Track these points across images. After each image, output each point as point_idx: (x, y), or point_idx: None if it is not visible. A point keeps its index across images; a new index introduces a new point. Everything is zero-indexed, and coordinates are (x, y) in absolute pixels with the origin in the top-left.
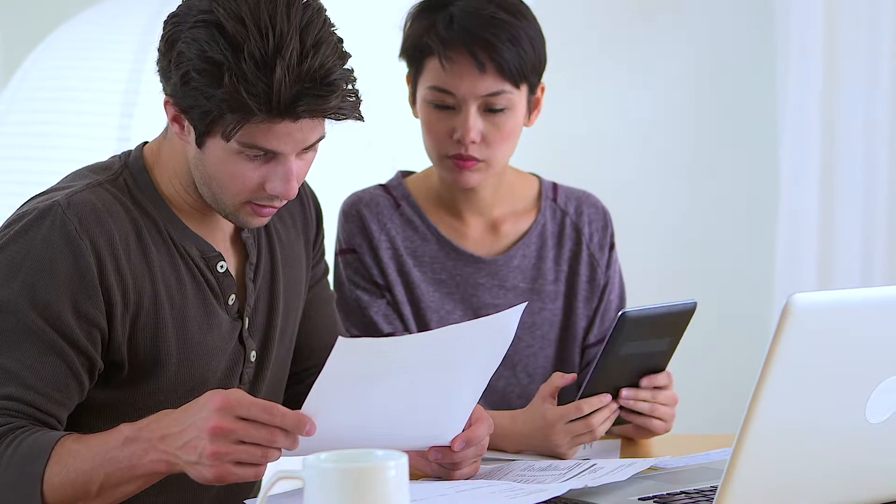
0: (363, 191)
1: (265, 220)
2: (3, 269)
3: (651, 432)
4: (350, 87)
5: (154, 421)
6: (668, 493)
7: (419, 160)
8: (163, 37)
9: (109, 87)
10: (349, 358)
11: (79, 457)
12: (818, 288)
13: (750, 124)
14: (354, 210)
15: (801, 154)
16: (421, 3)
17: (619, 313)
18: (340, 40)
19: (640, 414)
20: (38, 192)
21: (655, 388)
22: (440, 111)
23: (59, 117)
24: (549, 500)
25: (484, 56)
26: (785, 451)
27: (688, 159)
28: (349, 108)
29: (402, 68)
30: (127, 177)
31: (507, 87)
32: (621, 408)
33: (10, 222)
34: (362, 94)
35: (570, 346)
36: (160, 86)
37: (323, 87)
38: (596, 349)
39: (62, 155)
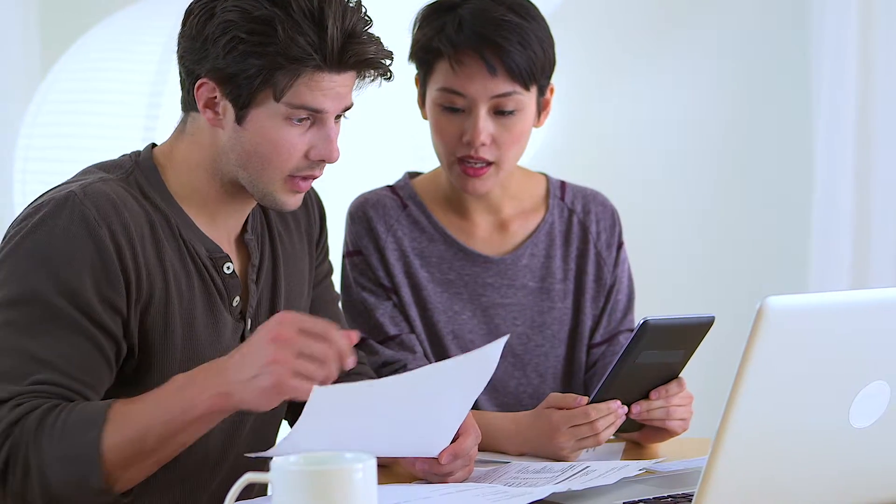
0: (370, 192)
1: (300, 200)
2: (26, 259)
3: (670, 434)
4: (382, 44)
5: (208, 365)
6: (654, 498)
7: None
8: (192, 21)
9: (135, 89)
10: (326, 405)
11: (133, 414)
12: None
13: (783, 124)
14: (361, 212)
15: (836, 155)
16: (429, 5)
17: (641, 320)
18: (366, 11)
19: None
20: (49, 188)
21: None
22: (450, 113)
23: (86, 118)
24: (533, 503)
25: (494, 58)
26: (765, 455)
27: (720, 160)
28: (385, 58)
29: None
30: (138, 175)
31: (518, 88)
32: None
33: (28, 214)
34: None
35: (580, 344)
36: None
37: (361, 40)
38: (601, 349)
39: (87, 157)
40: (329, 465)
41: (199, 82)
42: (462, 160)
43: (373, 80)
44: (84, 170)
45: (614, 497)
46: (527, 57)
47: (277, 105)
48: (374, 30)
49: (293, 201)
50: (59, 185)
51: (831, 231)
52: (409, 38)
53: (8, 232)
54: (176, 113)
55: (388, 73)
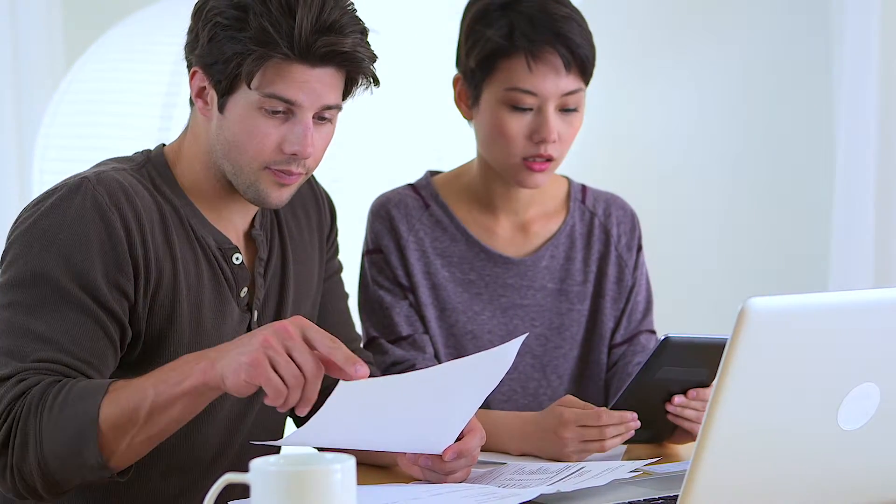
0: (392, 191)
1: (284, 196)
2: (38, 241)
3: (692, 438)
4: (365, 43)
5: (216, 346)
6: (644, 499)
7: (457, 158)
8: (192, 16)
9: (152, 89)
10: (349, 399)
11: (130, 387)
12: None
13: (804, 124)
14: (384, 211)
15: (857, 154)
16: (482, 7)
17: (663, 336)
18: (356, 11)
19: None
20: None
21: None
22: (517, 113)
23: (103, 118)
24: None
25: (569, 54)
26: (751, 457)
27: (740, 160)
28: (365, 56)
29: (435, 70)
30: (150, 168)
31: (582, 85)
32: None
33: (40, 199)
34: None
35: (597, 346)
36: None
37: (339, 34)
38: (622, 349)
39: (104, 156)
40: (308, 465)
41: (191, 72)
42: (525, 158)
43: (366, 87)
44: (99, 162)
45: (606, 498)
46: (590, 52)
47: (251, 93)
48: (393, 38)
49: (278, 195)
50: (73, 175)
51: (853, 231)
52: (439, 41)
53: (20, 215)
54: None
55: (371, 74)
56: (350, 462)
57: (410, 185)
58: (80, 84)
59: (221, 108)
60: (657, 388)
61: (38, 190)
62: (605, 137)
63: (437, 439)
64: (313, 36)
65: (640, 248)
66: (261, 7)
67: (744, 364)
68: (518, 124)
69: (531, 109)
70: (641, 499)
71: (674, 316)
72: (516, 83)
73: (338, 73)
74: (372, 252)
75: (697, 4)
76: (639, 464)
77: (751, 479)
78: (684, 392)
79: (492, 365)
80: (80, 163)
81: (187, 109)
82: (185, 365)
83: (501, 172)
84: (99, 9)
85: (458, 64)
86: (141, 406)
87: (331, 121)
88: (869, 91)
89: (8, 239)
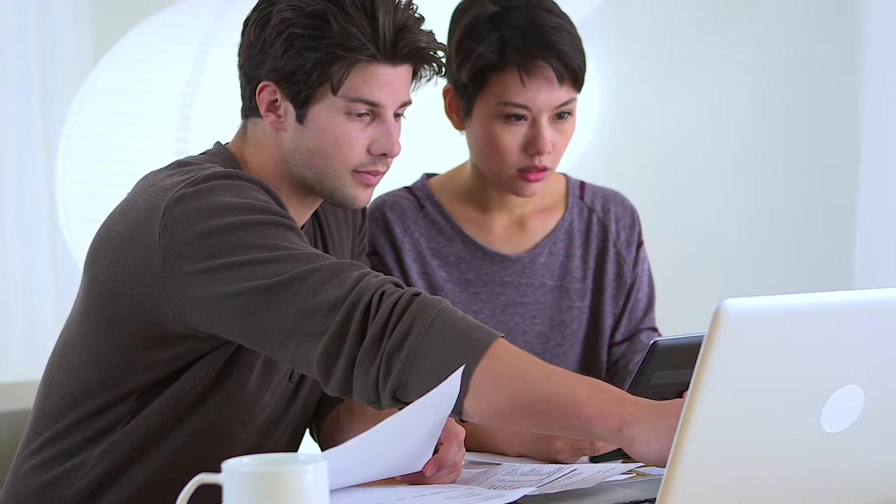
0: (387, 194)
1: (369, 196)
2: (229, 212)
3: None
4: (434, 36)
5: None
6: (630, 502)
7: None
8: (249, 30)
9: (170, 89)
10: None
11: (524, 357)
12: None
13: (829, 125)
14: (379, 213)
15: (882, 156)
16: (471, 20)
17: (651, 342)
18: (417, 8)
19: None
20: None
21: None
22: (510, 125)
23: (121, 118)
24: None
25: (561, 67)
26: (731, 461)
27: (764, 161)
28: (438, 48)
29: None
30: (227, 166)
31: (575, 94)
32: None
33: (182, 196)
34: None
35: (598, 343)
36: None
37: (413, 32)
38: (622, 348)
39: (121, 156)
40: (279, 465)
41: (260, 86)
42: (520, 169)
43: (429, 79)
44: (169, 164)
45: (594, 501)
46: (581, 60)
47: (336, 99)
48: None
49: (364, 196)
50: (175, 175)
51: (878, 233)
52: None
53: (175, 227)
54: (207, 114)
55: (442, 68)
56: (322, 463)
57: (406, 188)
58: (100, 84)
59: (301, 119)
60: (652, 395)
61: (61, 188)
62: (629, 138)
63: (412, 462)
64: (395, 36)
65: (640, 245)
66: (340, 13)
67: (720, 367)
68: (512, 137)
69: (524, 119)
70: (628, 501)
71: (695, 318)
72: (509, 97)
73: (410, 70)
74: (369, 254)
75: (722, 5)
76: (634, 467)
77: (730, 483)
78: (679, 395)
79: (437, 404)
80: (100, 161)
81: (206, 109)
82: (596, 392)
83: (496, 183)
84: (126, 5)
85: (447, 75)
86: (522, 384)
87: (403, 116)
88: (894, 91)
89: (176, 256)
